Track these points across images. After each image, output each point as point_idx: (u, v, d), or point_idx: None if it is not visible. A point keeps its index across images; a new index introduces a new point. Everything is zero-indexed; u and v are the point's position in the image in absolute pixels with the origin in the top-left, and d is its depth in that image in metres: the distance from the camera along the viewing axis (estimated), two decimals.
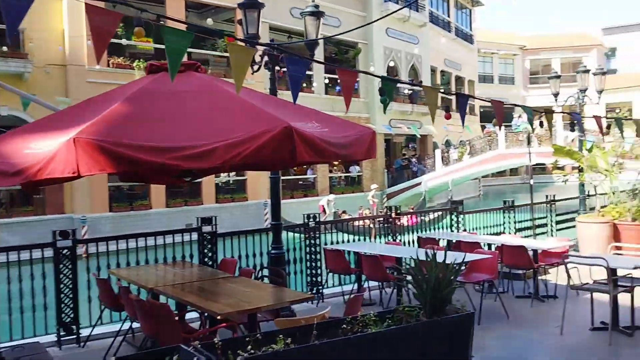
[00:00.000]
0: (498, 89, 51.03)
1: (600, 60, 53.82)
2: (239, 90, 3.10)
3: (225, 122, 3.38)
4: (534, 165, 45.05)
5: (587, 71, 10.59)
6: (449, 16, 37.65)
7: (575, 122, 8.65)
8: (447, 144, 34.52)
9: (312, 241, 7.77)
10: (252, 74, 6.72)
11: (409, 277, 3.37)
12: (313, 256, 7.80)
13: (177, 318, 5.08)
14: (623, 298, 5.76)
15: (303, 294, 5.87)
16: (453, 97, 37.31)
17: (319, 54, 26.60)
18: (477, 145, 29.25)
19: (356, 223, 17.03)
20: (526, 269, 7.58)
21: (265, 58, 6.70)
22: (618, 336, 5.63)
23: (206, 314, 4.86)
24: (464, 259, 4.92)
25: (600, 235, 9.74)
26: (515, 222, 10.07)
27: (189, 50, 20.86)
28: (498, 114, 5.96)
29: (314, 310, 6.94)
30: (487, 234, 9.53)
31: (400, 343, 2.96)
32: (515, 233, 9.99)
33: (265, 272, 6.62)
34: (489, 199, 36.61)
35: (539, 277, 7.63)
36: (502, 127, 28.41)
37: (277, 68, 6.70)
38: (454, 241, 8.14)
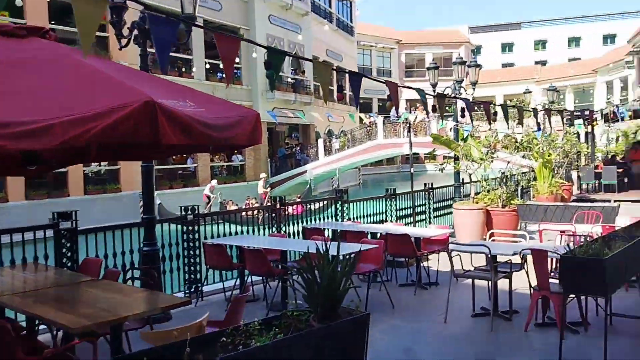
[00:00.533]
0: (376, 82, 52.81)
1: (468, 56, 57.94)
2: (87, 53, 2.50)
3: (72, 96, 2.73)
4: (408, 155, 47.64)
5: (464, 63, 10.98)
6: (330, 7, 38.01)
7: (465, 109, 8.82)
8: (330, 133, 34.95)
9: (191, 235, 7.16)
10: (120, 49, 5.96)
11: (297, 277, 2.97)
12: (192, 252, 7.19)
13: (25, 334, 4.29)
14: (501, 283, 5.89)
15: (177, 298, 5.27)
16: (335, 88, 37.78)
17: (198, 39, 25.46)
18: (357, 135, 29.89)
19: (244, 213, 16.62)
20: (410, 257, 7.59)
21: (135, 31, 5.96)
22: (498, 321, 5.75)
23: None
24: (359, 251, 4.65)
25: (475, 221, 10.16)
26: (397, 210, 10.18)
27: (56, 26, 18.86)
28: (394, 95, 5.79)
29: (193, 310, 6.37)
30: (371, 223, 9.50)
31: (290, 354, 2.58)
32: (396, 221, 10.11)
33: (137, 273, 5.91)
34: (369, 188, 37.77)
35: (421, 263, 7.70)
36: (381, 117, 29.35)
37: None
38: (339, 231, 7.95)
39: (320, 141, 29.92)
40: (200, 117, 2.96)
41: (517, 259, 5.80)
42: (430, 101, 8.43)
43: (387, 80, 6.14)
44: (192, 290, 7.13)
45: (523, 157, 12.36)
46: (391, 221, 9.89)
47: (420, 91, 6.68)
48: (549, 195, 14.48)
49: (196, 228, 7.17)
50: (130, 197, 21.71)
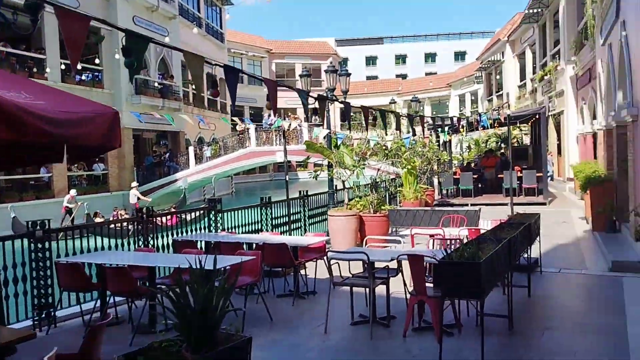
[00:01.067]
0: (247, 90, 52.54)
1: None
2: None
3: None
4: (280, 163, 47.91)
5: (335, 71, 11.08)
6: (199, 12, 37.04)
7: (346, 114, 8.84)
8: (200, 141, 33.92)
9: (40, 254, 6.28)
10: None
11: (168, 301, 2.56)
12: (42, 272, 6.31)
13: None
14: (379, 289, 5.88)
15: (18, 332, 4.48)
16: (206, 94, 36.74)
17: (53, 35, 23.30)
18: (229, 142, 29.30)
19: (112, 225, 15.38)
20: (288, 266, 7.38)
21: None
22: (377, 328, 5.71)
23: None
24: (239, 264, 4.29)
25: (349, 228, 10.24)
26: (272, 219, 9.94)
27: None
28: (272, 96, 5.52)
29: (45, 339, 5.56)
30: (246, 232, 9.15)
31: None
32: (272, 230, 9.86)
33: None
34: (242, 197, 37.26)
35: (299, 272, 7.52)
36: (253, 125, 29.03)
37: None
38: (213, 243, 7.50)
39: (191, 149, 28.87)
40: (37, 110, 2.43)
41: (394, 264, 5.82)
42: (304, 110, 8.30)
43: (265, 79, 5.86)
44: (43, 316, 6.26)
45: (392, 164, 12.82)
46: (267, 230, 9.62)
47: (300, 92, 6.49)
48: (414, 200, 15.20)
49: (47, 245, 6.31)
50: None
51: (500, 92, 39.79)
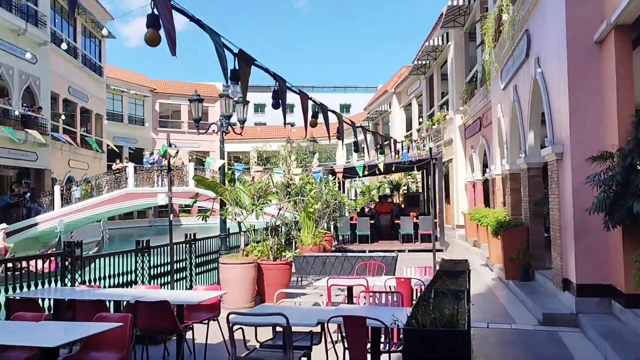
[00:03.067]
0: (128, 129, 49.16)
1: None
2: None
3: None
4: (162, 207, 44.63)
5: (229, 97, 9.65)
6: (75, 41, 33.97)
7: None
8: (70, 180, 30.33)
9: None
10: None
11: None
12: None
13: None
14: None
15: None
16: (79, 130, 33.38)
17: None
18: (104, 182, 26.35)
19: None
20: (169, 332, 5.61)
21: None
22: None
23: None
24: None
25: (245, 277, 8.62)
26: (150, 268, 8.05)
27: None
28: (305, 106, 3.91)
29: None
30: (115, 285, 7.19)
31: None
32: (150, 282, 7.97)
33: None
34: (116, 243, 33.71)
35: (185, 338, 5.76)
36: (131, 164, 26.44)
37: None
38: (65, 302, 5.55)
39: (57, 188, 25.45)
40: None
41: (317, 329, 4.37)
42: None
43: (300, 91, 4.37)
44: None
45: (294, 204, 11.43)
46: (143, 282, 7.72)
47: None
48: (313, 246, 13.91)
49: None
50: None
51: (387, 142, 40.68)
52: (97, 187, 26.07)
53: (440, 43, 24.28)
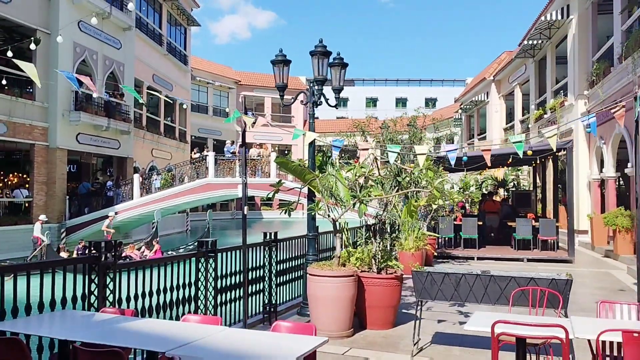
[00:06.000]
0: (211, 121, 48.76)
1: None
2: None
3: None
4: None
5: (323, 52, 7.44)
6: (160, 28, 33.36)
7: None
8: (152, 169, 29.65)
9: None
10: None
11: None
12: None
13: None
14: None
15: None
16: (163, 119, 32.80)
17: None
18: (186, 172, 25.20)
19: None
20: None
21: None
22: None
23: None
24: None
25: (342, 296, 6.35)
26: (216, 278, 5.99)
27: None
28: None
29: None
30: (165, 307, 5.17)
31: None
32: (215, 299, 5.90)
33: None
34: (198, 234, 32.89)
35: None
36: (212, 153, 25.10)
37: None
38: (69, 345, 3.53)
39: (136, 177, 24.56)
40: None
41: None
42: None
43: None
44: None
45: (406, 197, 8.99)
46: (206, 298, 5.66)
47: None
48: (415, 251, 11.48)
49: None
50: None
51: (483, 135, 37.13)
52: (178, 176, 24.96)
53: (559, 17, 20.87)
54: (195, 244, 20.69)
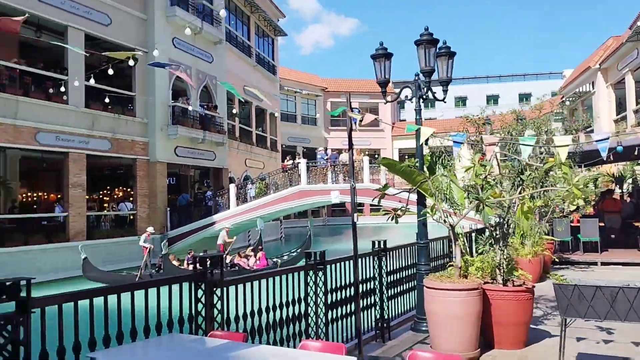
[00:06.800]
0: (301, 129, 49.15)
1: (393, 107, 55.71)
2: None
3: None
4: (332, 206, 43.20)
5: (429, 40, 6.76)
6: (249, 40, 33.97)
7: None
8: (246, 179, 30.12)
9: None
10: None
11: None
12: None
13: None
14: None
15: None
16: (254, 129, 33.32)
17: (77, 55, 20.27)
18: (278, 180, 25.26)
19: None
20: None
21: None
22: None
23: None
24: None
25: (467, 312, 5.60)
26: (327, 292, 5.47)
27: None
28: None
29: None
30: (275, 326, 4.71)
31: None
32: (327, 314, 5.38)
33: None
34: (292, 242, 33.01)
35: None
36: (304, 160, 24.96)
37: None
38: None
39: (232, 187, 24.93)
40: None
41: None
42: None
43: None
44: None
45: (531, 199, 8.00)
46: (316, 314, 5.15)
47: None
48: (533, 257, 10.38)
49: None
50: None
51: (590, 128, 34.31)
52: (271, 185, 25.06)
53: None
54: (294, 252, 20.57)
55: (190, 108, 24.44)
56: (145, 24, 23.72)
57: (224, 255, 18.30)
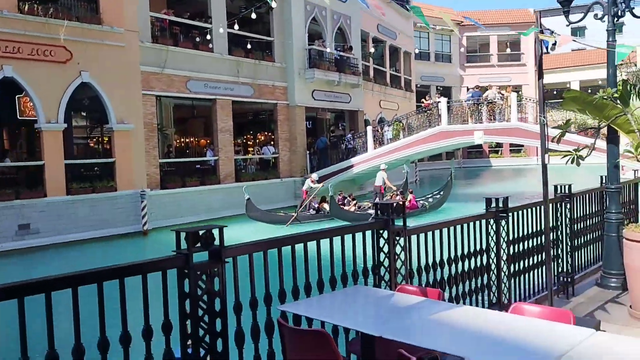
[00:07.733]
0: (434, 67, 46.97)
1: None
2: None
3: None
4: (468, 148, 40.97)
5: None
6: None
7: None
8: (381, 121, 29.60)
9: None
10: None
11: None
12: None
13: None
14: None
15: None
16: (388, 69, 32.37)
17: (219, 4, 20.75)
18: (414, 122, 24.38)
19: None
20: None
21: None
22: None
23: None
24: None
25: None
26: (509, 243, 4.93)
27: None
28: None
29: None
30: (458, 279, 4.31)
31: None
32: (510, 269, 4.85)
33: None
34: (426, 185, 32.27)
35: None
36: (444, 99, 23.71)
37: None
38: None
39: (369, 129, 24.57)
40: None
41: None
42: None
43: None
44: None
45: None
46: (499, 270, 4.64)
47: None
48: None
49: None
50: (128, 197, 17.31)
51: None
52: (407, 126, 24.29)
53: None
54: (437, 194, 20.02)
55: (328, 50, 24.19)
56: None
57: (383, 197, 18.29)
